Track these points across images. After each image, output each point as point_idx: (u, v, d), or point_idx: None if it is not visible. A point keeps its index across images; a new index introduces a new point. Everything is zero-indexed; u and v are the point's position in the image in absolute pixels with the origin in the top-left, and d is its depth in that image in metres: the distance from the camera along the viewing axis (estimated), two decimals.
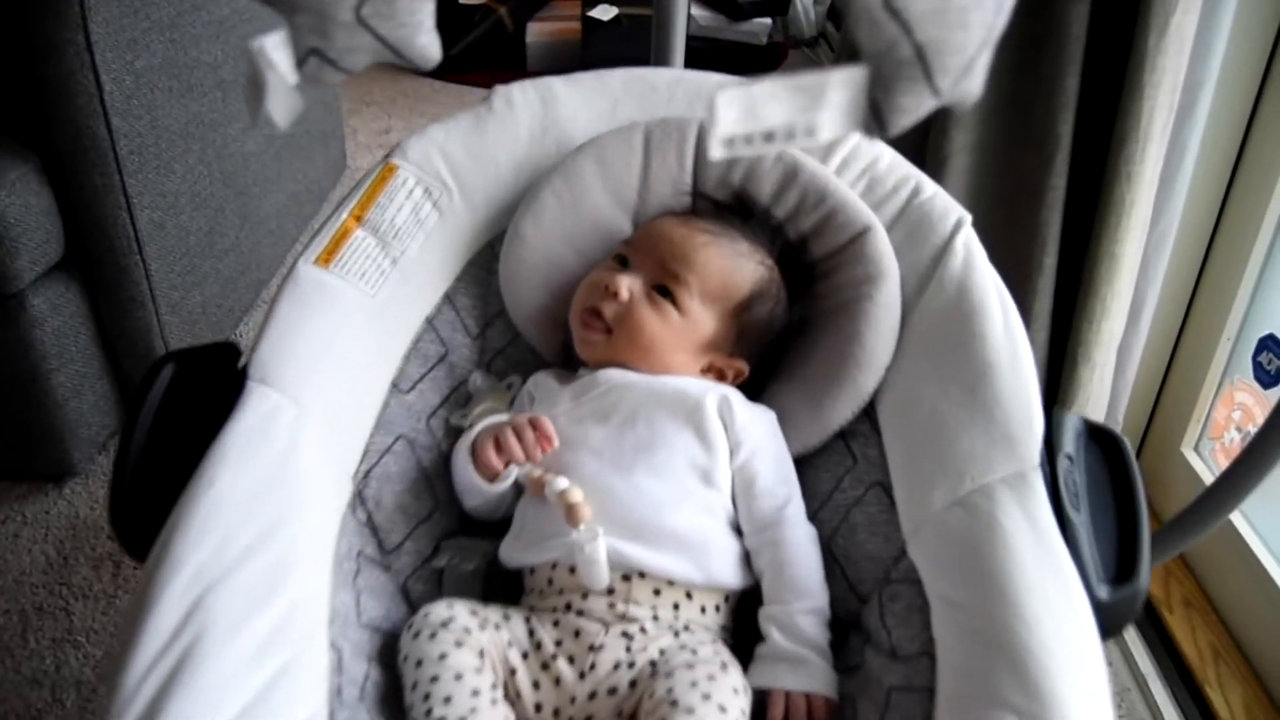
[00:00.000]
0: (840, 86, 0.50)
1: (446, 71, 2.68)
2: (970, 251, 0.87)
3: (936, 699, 0.65)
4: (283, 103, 0.58)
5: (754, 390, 0.91)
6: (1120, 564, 0.72)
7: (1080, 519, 0.73)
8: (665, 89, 1.00)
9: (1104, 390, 1.27)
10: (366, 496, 0.82)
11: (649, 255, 0.89)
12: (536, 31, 2.73)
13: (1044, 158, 1.17)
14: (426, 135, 0.95)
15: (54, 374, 1.28)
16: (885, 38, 0.48)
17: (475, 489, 0.84)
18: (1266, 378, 1.30)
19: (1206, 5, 1.08)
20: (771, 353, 0.93)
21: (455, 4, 2.73)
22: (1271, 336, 1.29)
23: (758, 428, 0.86)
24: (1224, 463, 1.36)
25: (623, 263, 0.90)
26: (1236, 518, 1.29)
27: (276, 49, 0.57)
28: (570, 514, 0.77)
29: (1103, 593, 0.69)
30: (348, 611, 0.73)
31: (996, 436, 0.75)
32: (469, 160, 0.95)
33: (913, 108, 0.51)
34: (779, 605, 0.78)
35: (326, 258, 0.86)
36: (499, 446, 0.81)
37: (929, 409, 0.80)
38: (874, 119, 0.51)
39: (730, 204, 0.94)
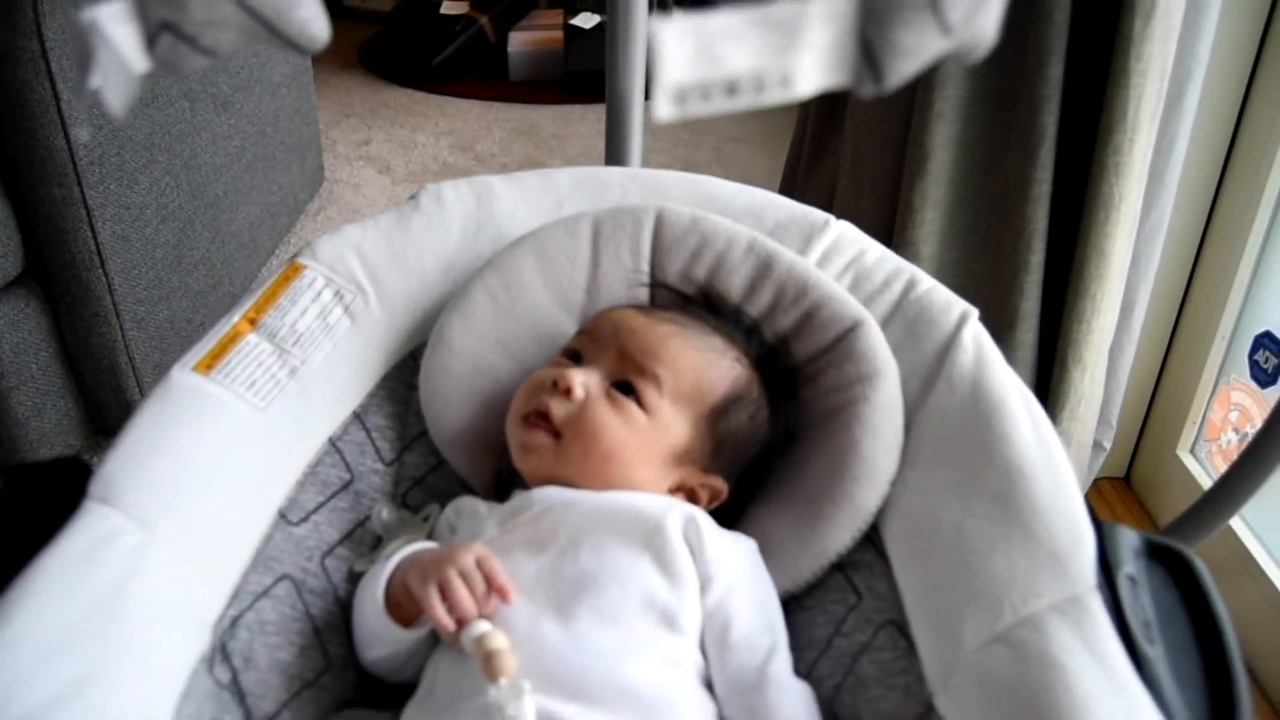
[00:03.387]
0: (823, 22, 0.38)
1: (428, 81, 2.67)
2: (981, 346, 0.75)
3: None
4: (119, 85, 0.45)
5: (729, 519, 0.75)
6: (1215, 714, 0.57)
7: (1157, 654, 0.57)
8: (618, 185, 0.89)
9: (1096, 392, 1.23)
10: (232, 651, 0.64)
11: (607, 347, 0.74)
12: (518, 41, 2.74)
13: (1028, 151, 1.12)
14: (341, 234, 0.83)
15: (13, 392, 1.25)
16: None
17: (385, 637, 0.66)
18: (1264, 376, 1.26)
19: None
20: (751, 473, 0.77)
21: (436, 14, 2.76)
22: (1268, 334, 1.26)
23: (734, 559, 0.69)
24: (1222, 466, 1.34)
25: (574, 358, 0.76)
26: (1237, 523, 1.26)
27: (115, 22, 0.44)
28: (489, 665, 0.59)
29: None
30: None
31: (1039, 554, 0.61)
32: (390, 261, 0.82)
33: (916, 47, 0.38)
34: None
35: (209, 363, 0.73)
36: (444, 594, 0.63)
37: (950, 527, 0.66)
38: (867, 64, 0.39)
39: (695, 299, 0.81)
